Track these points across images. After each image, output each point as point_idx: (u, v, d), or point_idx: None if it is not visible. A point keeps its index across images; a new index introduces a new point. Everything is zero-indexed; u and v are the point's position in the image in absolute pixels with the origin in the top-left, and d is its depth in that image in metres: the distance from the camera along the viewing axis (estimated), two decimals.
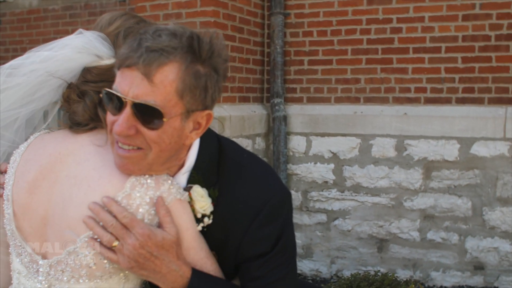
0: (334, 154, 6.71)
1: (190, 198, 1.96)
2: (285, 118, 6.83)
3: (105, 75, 1.95)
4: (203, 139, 2.00)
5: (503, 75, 6.21)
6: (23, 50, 8.43)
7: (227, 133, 6.07)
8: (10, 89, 1.97)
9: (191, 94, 1.79)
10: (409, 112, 6.49)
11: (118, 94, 1.76)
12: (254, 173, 2.03)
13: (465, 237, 6.30)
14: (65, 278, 1.92)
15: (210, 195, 1.98)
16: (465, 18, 6.32)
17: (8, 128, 2.07)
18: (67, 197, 1.89)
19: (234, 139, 2.22)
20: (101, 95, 1.90)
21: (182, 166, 1.99)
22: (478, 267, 6.26)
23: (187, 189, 1.97)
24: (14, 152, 2.06)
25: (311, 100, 6.93)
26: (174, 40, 1.76)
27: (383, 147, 6.51)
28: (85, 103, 1.96)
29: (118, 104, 1.78)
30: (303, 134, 6.87)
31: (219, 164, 2.02)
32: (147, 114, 1.75)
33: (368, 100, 6.71)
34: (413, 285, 5.19)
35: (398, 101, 6.58)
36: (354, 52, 6.75)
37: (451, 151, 6.30)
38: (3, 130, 2.07)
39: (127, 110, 1.76)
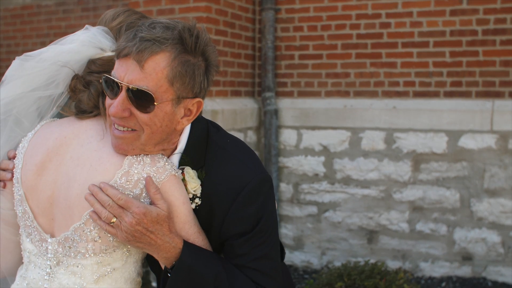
0: (325, 147, 6.81)
1: (184, 178, 2.10)
2: (276, 111, 6.93)
3: (107, 66, 2.12)
4: (193, 125, 2.15)
5: (490, 69, 6.33)
6: (17, 46, 8.53)
7: None
8: (34, 74, 2.16)
9: (181, 81, 1.96)
10: (398, 105, 6.60)
11: (115, 79, 1.94)
12: (235, 157, 2.16)
13: (453, 228, 6.41)
14: (72, 254, 2.07)
15: (198, 177, 2.12)
16: (453, 13, 6.43)
17: (29, 114, 2.25)
18: (71, 177, 2.05)
19: None
20: (101, 81, 2.07)
21: (175, 149, 2.14)
22: (466, 257, 6.37)
23: (180, 170, 2.11)
24: (22, 139, 2.23)
25: (302, 94, 7.03)
26: (167, 32, 1.93)
27: (373, 140, 6.62)
28: (90, 92, 2.14)
29: (115, 89, 1.96)
30: (294, 127, 6.97)
31: (208, 149, 2.17)
32: (140, 98, 1.93)
33: (358, 94, 6.82)
34: (402, 274, 5.28)
35: (387, 94, 6.69)
36: (344, 47, 6.85)
37: (439, 143, 6.41)
38: (23, 117, 2.24)
39: (122, 94, 1.94)
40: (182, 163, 2.13)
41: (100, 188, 1.98)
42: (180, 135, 2.14)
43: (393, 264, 6.52)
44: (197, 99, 2.04)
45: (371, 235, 6.69)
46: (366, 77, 6.77)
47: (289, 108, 7.00)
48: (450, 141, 6.38)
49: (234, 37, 6.78)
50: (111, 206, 1.95)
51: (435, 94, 6.51)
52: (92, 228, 2.03)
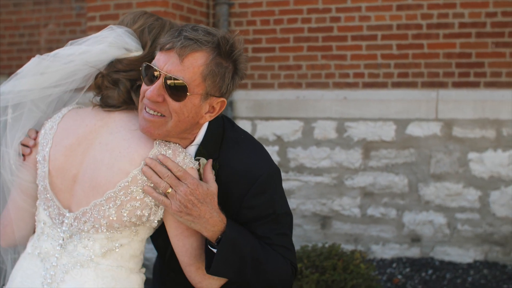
0: (278, 137, 7.05)
1: (199, 169, 2.34)
2: (231, 103, 7.14)
3: (133, 65, 2.35)
4: (211, 120, 2.41)
5: (434, 61, 6.70)
6: None
7: None
8: (51, 73, 2.34)
9: (212, 80, 2.24)
10: (349, 96, 6.90)
11: (155, 68, 2.22)
12: (248, 151, 2.45)
13: (402, 212, 6.75)
14: (86, 228, 2.28)
15: (213, 167, 2.36)
16: (399, 8, 6.78)
17: (43, 100, 2.44)
18: (99, 160, 2.27)
19: None
20: (137, 83, 2.34)
21: (192, 141, 2.40)
22: (415, 239, 6.72)
23: (196, 160, 2.35)
24: (48, 120, 2.43)
25: (256, 86, 7.25)
26: (208, 36, 2.23)
27: (325, 130, 6.90)
28: (119, 89, 2.35)
29: (153, 76, 2.23)
30: (248, 118, 7.19)
31: (222, 143, 2.44)
32: (175, 87, 2.20)
33: (310, 86, 7.08)
34: (359, 254, 5.56)
35: (338, 86, 6.98)
36: (296, 40, 7.11)
37: (388, 132, 6.75)
38: (39, 102, 2.43)
39: (160, 81, 2.21)
40: (198, 154, 2.38)
41: (160, 160, 2.22)
42: (199, 131, 2.40)
43: (346, 248, 6.81)
44: (222, 99, 2.32)
45: (324, 220, 6.97)
46: (317, 69, 7.04)
47: (244, 99, 7.21)
48: (398, 129, 6.72)
49: None
50: (169, 177, 2.19)
51: (383, 85, 6.84)
52: (111, 206, 2.24)
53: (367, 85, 6.90)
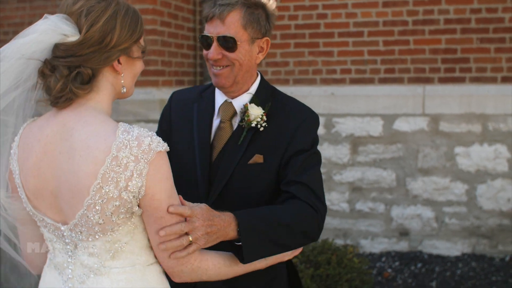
0: None
1: (247, 108, 2.79)
2: None
3: (71, 51, 2.19)
4: (262, 78, 2.95)
5: (420, 56, 6.79)
6: None
7: None
8: (4, 74, 2.21)
9: (251, 27, 2.75)
10: (336, 92, 6.95)
11: (208, 35, 2.75)
12: (297, 102, 2.94)
13: (390, 206, 6.83)
14: (84, 237, 2.22)
15: (264, 108, 2.81)
16: (385, 4, 6.85)
17: (8, 112, 2.30)
18: (66, 171, 2.17)
19: None
20: (77, 70, 2.20)
21: (247, 90, 2.87)
22: (403, 233, 6.81)
23: (245, 106, 2.82)
24: (12, 145, 2.32)
25: None
26: None
27: None
28: (55, 76, 2.20)
29: (208, 41, 2.75)
30: None
31: (274, 94, 2.94)
32: (227, 42, 2.72)
33: (297, 82, 7.13)
34: (352, 249, 5.63)
35: (325, 82, 7.04)
36: (283, 37, 7.14)
37: (376, 127, 6.82)
38: (4, 115, 2.30)
39: (215, 43, 2.74)
40: (252, 101, 2.83)
41: (172, 212, 2.21)
42: (254, 81, 2.89)
43: (335, 243, 6.88)
44: (265, 38, 2.84)
45: None
46: (304, 65, 7.08)
47: None
48: (386, 124, 6.80)
49: (177, 28, 6.95)
50: (183, 229, 2.23)
51: (370, 81, 6.91)
52: (94, 213, 2.15)
53: (354, 81, 6.96)
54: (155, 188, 2.18)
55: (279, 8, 7.04)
